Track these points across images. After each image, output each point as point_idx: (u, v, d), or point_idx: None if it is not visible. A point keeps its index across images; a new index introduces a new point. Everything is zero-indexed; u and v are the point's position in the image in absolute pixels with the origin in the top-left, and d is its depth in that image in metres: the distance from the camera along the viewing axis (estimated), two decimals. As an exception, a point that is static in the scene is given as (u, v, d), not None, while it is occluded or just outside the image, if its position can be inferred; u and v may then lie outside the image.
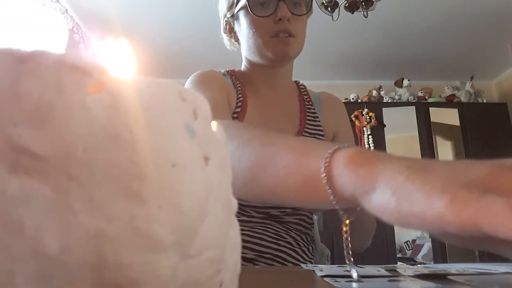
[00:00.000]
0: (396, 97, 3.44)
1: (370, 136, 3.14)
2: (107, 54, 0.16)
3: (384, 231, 2.84)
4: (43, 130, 0.12)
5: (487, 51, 3.12)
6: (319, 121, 0.80)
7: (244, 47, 0.78)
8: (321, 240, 0.82)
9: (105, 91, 0.14)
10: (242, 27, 0.75)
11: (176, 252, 0.14)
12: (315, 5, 0.87)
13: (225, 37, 0.84)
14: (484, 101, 3.43)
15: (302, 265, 0.51)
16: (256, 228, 0.66)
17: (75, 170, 0.12)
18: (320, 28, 2.59)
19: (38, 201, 0.12)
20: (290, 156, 0.37)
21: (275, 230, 0.67)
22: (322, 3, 2.09)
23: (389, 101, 3.41)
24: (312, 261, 0.71)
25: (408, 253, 3.07)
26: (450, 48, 3.07)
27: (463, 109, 3.29)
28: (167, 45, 3.04)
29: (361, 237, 0.63)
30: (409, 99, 3.38)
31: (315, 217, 0.80)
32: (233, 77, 0.80)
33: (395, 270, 0.39)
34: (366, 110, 3.24)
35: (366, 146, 3.11)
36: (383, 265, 0.43)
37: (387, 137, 3.19)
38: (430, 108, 3.29)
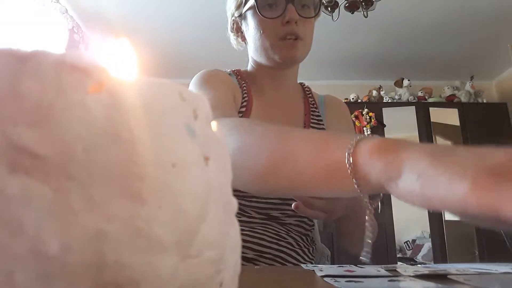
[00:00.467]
0: (396, 97, 3.44)
1: (370, 136, 3.14)
2: (108, 53, 0.16)
3: (384, 231, 2.84)
4: (43, 130, 0.12)
5: (487, 51, 3.12)
6: (323, 124, 0.80)
7: (251, 47, 0.78)
8: (321, 240, 0.81)
9: (105, 91, 0.14)
10: (250, 27, 0.75)
11: (176, 252, 0.14)
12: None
13: (232, 36, 0.84)
14: (484, 101, 3.43)
15: (302, 265, 0.51)
16: (257, 228, 0.66)
17: (75, 170, 0.12)
18: (320, 28, 2.58)
19: (38, 201, 0.12)
20: (310, 148, 0.38)
21: (276, 230, 0.67)
22: (322, 3, 2.09)
23: (389, 101, 3.41)
24: (313, 261, 0.70)
25: (408, 253, 3.07)
26: (450, 48, 3.07)
27: (463, 109, 3.29)
28: (169, 46, 3.04)
29: (363, 240, 0.64)
30: (409, 99, 3.38)
31: (315, 217, 0.80)
32: (239, 76, 0.80)
33: (395, 270, 0.39)
34: (366, 110, 3.24)
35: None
36: (383, 265, 0.43)
37: (387, 137, 3.18)
38: (430, 108, 3.29)
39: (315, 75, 3.36)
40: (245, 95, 0.76)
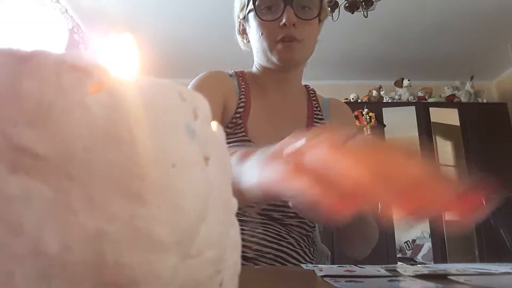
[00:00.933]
0: (396, 97, 3.44)
1: (370, 136, 3.14)
2: (110, 50, 0.16)
3: (384, 231, 2.83)
4: (43, 130, 0.12)
5: (487, 51, 3.12)
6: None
7: (253, 49, 0.78)
8: (321, 240, 0.81)
9: (105, 91, 0.14)
10: (251, 29, 0.76)
11: (176, 252, 0.14)
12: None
13: (239, 38, 0.84)
14: (484, 101, 3.43)
15: (302, 265, 0.51)
16: (258, 228, 0.66)
17: (75, 170, 0.12)
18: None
19: (38, 201, 0.12)
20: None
21: (277, 230, 0.67)
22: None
23: (389, 101, 3.40)
24: (313, 262, 0.70)
25: (408, 253, 3.07)
26: (450, 48, 3.07)
27: (463, 109, 3.29)
28: (170, 46, 3.04)
29: (363, 245, 0.66)
30: (409, 99, 3.38)
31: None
32: (241, 78, 0.80)
33: (395, 270, 0.39)
34: (366, 110, 3.24)
35: (366, 146, 3.11)
36: (383, 265, 0.43)
37: (387, 137, 3.18)
38: (430, 108, 3.29)
39: (315, 75, 3.36)
40: (242, 98, 0.76)
